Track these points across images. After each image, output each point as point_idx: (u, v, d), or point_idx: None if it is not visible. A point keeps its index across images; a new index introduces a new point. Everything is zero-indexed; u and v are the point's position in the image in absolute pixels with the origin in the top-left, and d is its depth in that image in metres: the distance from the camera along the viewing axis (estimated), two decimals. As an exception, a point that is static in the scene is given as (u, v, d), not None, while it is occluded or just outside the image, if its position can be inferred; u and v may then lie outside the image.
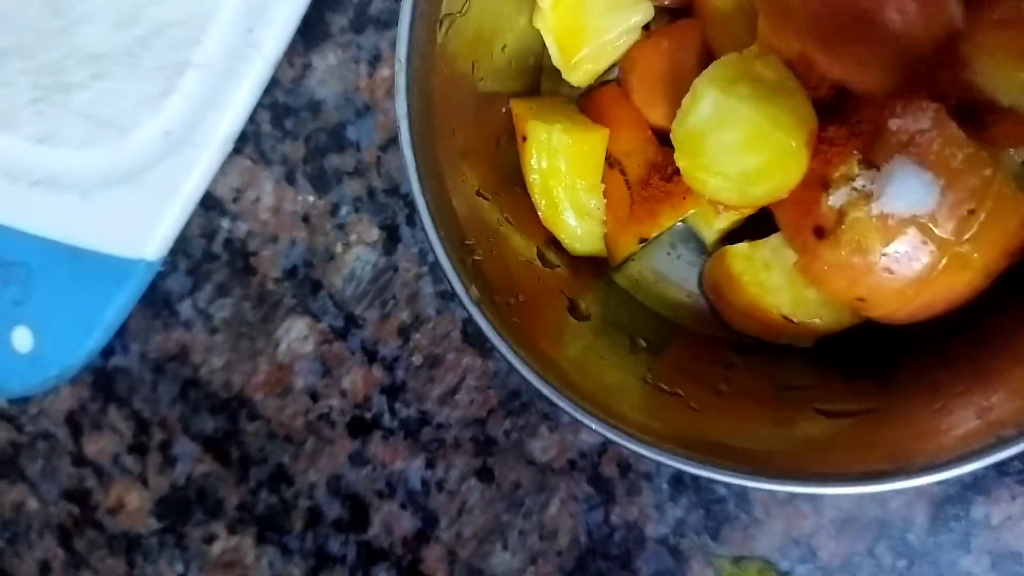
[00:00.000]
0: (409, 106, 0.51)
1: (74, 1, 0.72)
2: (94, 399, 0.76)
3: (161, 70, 0.70)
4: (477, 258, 0.54)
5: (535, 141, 0.57)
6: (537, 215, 0.60)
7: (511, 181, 0.60)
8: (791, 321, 0.57)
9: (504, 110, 0.60)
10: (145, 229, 0.71)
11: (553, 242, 0.61)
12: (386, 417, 0.70)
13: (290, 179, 0.71)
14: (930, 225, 0.49)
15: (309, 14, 0.68)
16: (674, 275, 0.64)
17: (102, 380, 0.75)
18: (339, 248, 0.70)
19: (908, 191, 0.47)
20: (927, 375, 0.54)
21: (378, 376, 0.70)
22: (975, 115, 0.51)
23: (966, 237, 0.49)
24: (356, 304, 0.70)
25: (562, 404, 0.51)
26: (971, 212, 0.48)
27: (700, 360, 0.60)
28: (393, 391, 0.70)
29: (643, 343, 0.59)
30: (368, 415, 0.70)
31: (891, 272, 0.50)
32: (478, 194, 0.57)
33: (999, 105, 0.50)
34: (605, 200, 0.60)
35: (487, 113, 0.60)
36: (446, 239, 0.52)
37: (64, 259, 0.73)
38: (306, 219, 0.71)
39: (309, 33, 0.69)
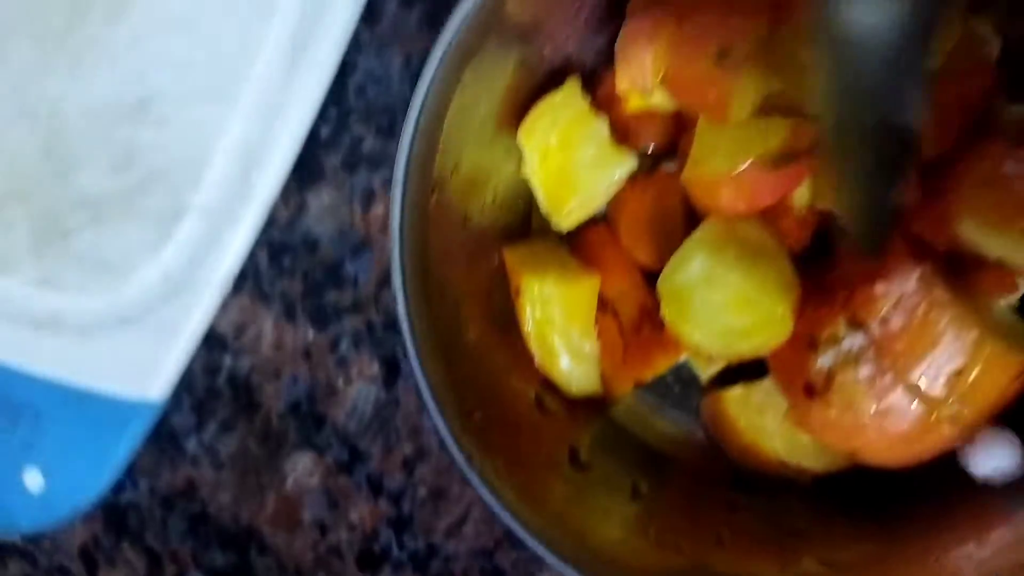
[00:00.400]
0: (404, 283, 0.52)
1: (69, 146, 0.72)
2: (107, 533, 0.76)
3: (158, 214, 0.71)
4: (477, 417, 0.54)
5: (528, 294, 0.58)
6: (531, 361, 0.60)
7: (503, 328, 0.60)
8: (787, 464, 0.58)
9: (496, 257, 0.60)
10: (148, 370, 0.72)
11: (549, 386, 0.61)
12: (395, 550, 0.70)
13: (289, 315, 0.71)
14: (920, 386, 0.49)
15: (302, 155, 0.69)
16: (673, 408, 0.64)
17: (113, 516, 0.76)
18: (341, 383, 0.71)
19: (996, 457, 0.50)
20: (928, 517, 0.55)
21: (384, 509, 0.70)
22: (962, 265, 0.51)
23: (955, 397, 0.49)
24: (360, 438, 0.71)
25: (555, 562, 0.51)
26: (959, 373, 0.48)
27: (701, 500, 0.60)
28: (400, 524, 0.70)
29: (644, 488, 0.59)
30: (377, 548, 0.71)
31: (883, 429, 0.50)
32: (474, 348, 0.58)
33: (986, 259, 0.50)
34: (600, 342, 0.60)
35: (479, 262, 0.60)
36: (441, 403, 0.52)
37: (71, 401, 0.73)
38: (307, 354, 0.71)
39: (303, 173, 0.70)
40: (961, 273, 0.51)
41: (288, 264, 0.71)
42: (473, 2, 0.48)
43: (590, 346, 0.60)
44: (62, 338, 0.74)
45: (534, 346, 0.60)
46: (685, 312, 0.53)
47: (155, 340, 0.72)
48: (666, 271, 0.54)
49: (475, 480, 0.51)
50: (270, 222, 0.71)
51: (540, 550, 0.51)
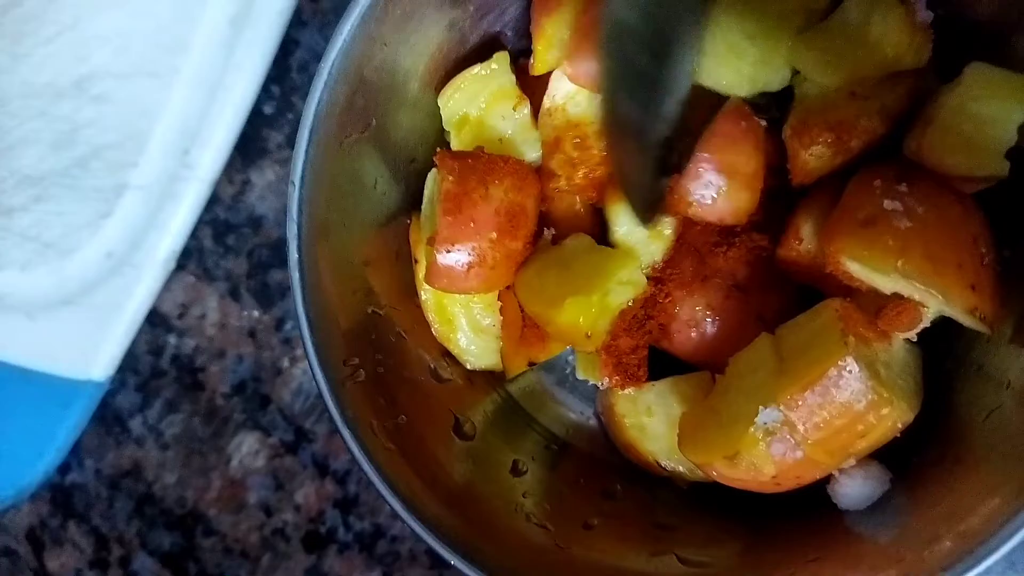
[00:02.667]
0: (300, 227, 0.51)
1: (10, 124, 0.71)
2: (53, 515, 0.76)
3: (100, 192, 0.70)
4: (358, 380, 0.53)
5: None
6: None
7: (412, 293, 0.60)
8: (663, 467, 0.58)
9: (409, 222, 0.60)
10: (91, 350, 0.71)
11: (448, 354, 0.61)
12: (341, 531, 0.70)
13: (234, 294, 0.71)
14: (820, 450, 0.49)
15: (246, 131, 0.68)
16: (571, 393, 0.64)
17: (60, 496, 0.75)
18: (286, 362, 0.70)
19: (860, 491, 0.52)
20: (790, 531, 0.55)
21: (331, 490, 0.70)
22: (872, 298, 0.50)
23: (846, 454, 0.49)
24: (305, 418, 0.70)
25: (427, 538, 0.51)
26: (858, 436, 0.49)
27: (579, 485, 0.60)
28: (346, 504, 0.70)
29: (524, 466, 0.59)
30: (323, 529, 0.70)
31: (777, 480, 0.50)
32: (372, 312, 0.57)
33: (883, 293, 0.49)
34: (501, 317, 0.59)
35: (390, 226, 0.60)
36: (325, 361, 0.52)
37: (13, 380, 0.72)
38: (252, 334, 0.71)
39: (247, 150, 0.69)
40: (872, 306, 0.51)
41: (233, 242, 0.71)
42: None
43: (491, 321, 0.60)
44: (6, 317, 0.73)
45: (431, 316, 0.60)
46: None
47: (98, 319, 0.71)
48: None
49: (348, 438, 0.51)
50: (214, 200, 0.70)
51: (402, 512, 0.50)
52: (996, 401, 0.50)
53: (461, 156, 0.55)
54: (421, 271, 0.58)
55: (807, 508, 0.53)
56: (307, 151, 0.51)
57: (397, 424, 0.54)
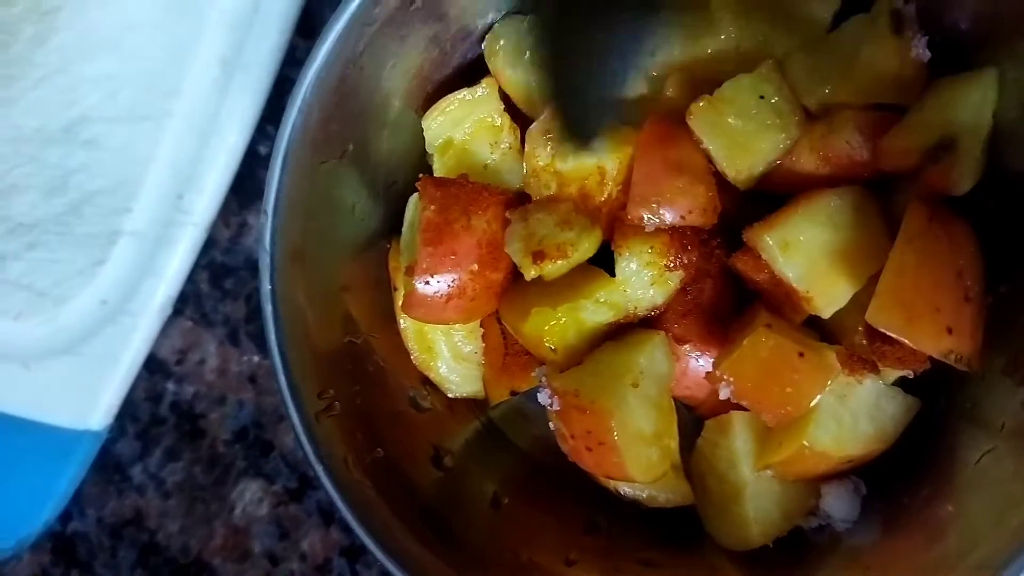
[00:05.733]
0: (273, 257, 0.50)
1: (1, 170, 0.70)
2: (55, 565, 0.74)
3: (93, 239, 0.68)
4: (333, 413, 0.52)
5: None
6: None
7: (391, 320, 0.58)
8: (622, 495, 0.57)
9: (388, 247, 0.59)
10: (89, 399, 0.70)
11: (429, 382, 0.60)
12: (347, 579, 0.68)
13: (233, 339, 0.69)
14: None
15: (241, 172, 0.67)
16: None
17: (62, 546, 0.74)
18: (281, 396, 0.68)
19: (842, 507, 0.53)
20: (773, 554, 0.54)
21: (337, 538, 0.68)
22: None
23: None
24: (309, 465, 0.68)
25: None
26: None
27: (559, 517, 0.58)
28: (353, 552, 0.68)
29: (506, 500, 0.57)
30: (329, 577, 0.69)
31: None
32: (350, 341, 0.56)
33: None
34: (484, 344, 0.58)
35: (370, 251, 0.58)
36: (299, 396, 0.51)
37: (11, 431, 0.71)
38: (252, 379, 0.69)
39: (242, 191, 0.68)
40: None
41: (230, 286, 0.69)
42: None
43: (473, 348, 0.59)
44: (1, 368, 0.72)
45: (411, 344, 0.58)
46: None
47: (95, 368, 0.70)
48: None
49: (322, 474, 0.50)
50: (210, 243, 0.69)
51: (378, 553, 0.49)
52: (989, 443, 0.49)
53: (444, 184, 0.54)
54: (400, 299, 0.56)
55: (794, 555, 0.53)
56: (280, 179, 0.50)
57: (374, 458, 0.53)
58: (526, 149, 0.54)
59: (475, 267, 0.53)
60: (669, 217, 0.52)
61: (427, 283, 0.53)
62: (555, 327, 0.53)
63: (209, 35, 0.64)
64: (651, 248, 0.52)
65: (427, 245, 0.52)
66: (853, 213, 0.51)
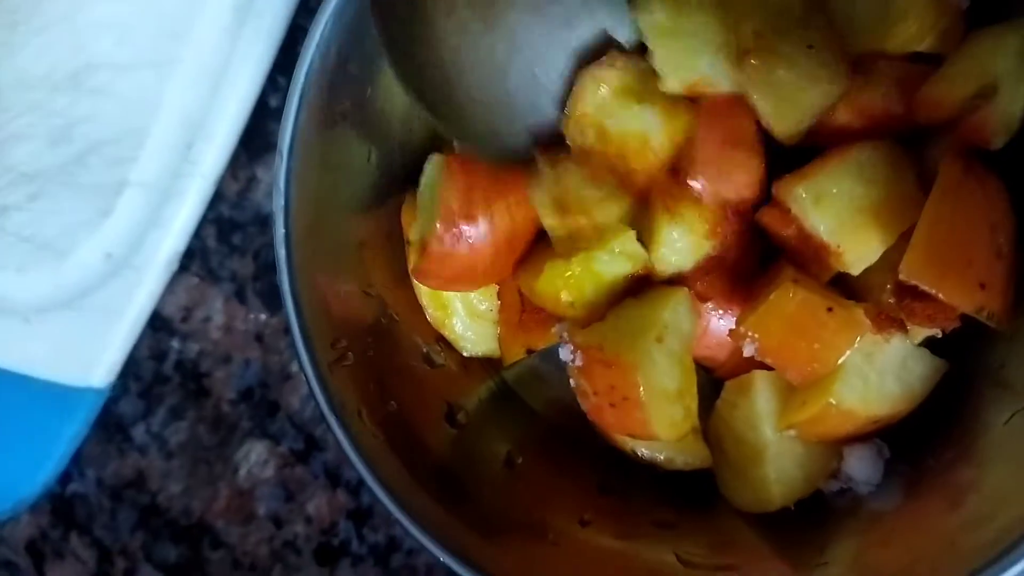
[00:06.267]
0: (287, 200, 0.48)
1: (3, 119, 0.68)
2: (54, 527, 0.73)
3: (98, 189, 0.67)
4: (346, 363, 0.51)
5: None
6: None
7: (405, 275, 0.57)
8: (640, 456, 0.56)
9: (403, 198, 0.57)
10: (91, 355, 0.68)
11: (443, 339, 0.58)
12: (354, 543, 0.67)
13: (240, 296, 0.68)
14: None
15: (251, 125, 0.65)
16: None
17: (61, 507, 0.72)
18: (295, 367, 0.67)
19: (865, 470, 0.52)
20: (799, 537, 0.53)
21: (343, 500, 0.67)
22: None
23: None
24: (316, 426, 0.67)
25: (415, 533, 0.48)
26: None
27: (572, 477, 0.57)
28: (360, 516, 0.67)
29: (519, 459, 0.56)
30: (335, 541, 0.67)
31: None
32: (364, 292, 0.54)
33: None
34: (499, 302, 0.57)
35: (385, 204, 0.57)
36: (311, 342, 0.49)
37: (10, 387, 0.70)
38: (259, 338, 0.68)
39: (252, 145, 0.66)
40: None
41: (238, 242, 0.67)
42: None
43: (488, 305, 0.57)
44: (3, 322, 0.70)
45: (425, 301, 0.57)
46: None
47: (98, 323, 0.68)
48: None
49: (335, 426, 0.48)
50: (218, 197, 0.67)
51: (391, 507, 0.48)
52: (1018, 404, 0.48)
53: (469, 169, 0.52)
54: (412, 254, 0.55)
55: (813, 519, 0.52)
56: (296, 120, 0.49)
57: (387, 411, 0.52)
58: (575, 89, 0.52)
59: (490, 251, 0.52)
60: (727, 191, 0.51)
61: (439, 262, 0.52)
62: (571, 279, 0.51)
63: (222, -21, 0.62)
64: (698, 216, 0.51)
65: (444, 229, 0.51)
66: (886, 167, 0.50)
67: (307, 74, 0.48)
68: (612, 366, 0.49)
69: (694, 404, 0.51)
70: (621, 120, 0.51)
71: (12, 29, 0.67)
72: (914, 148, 0.51)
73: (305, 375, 0.48)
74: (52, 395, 0.68)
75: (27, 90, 0.67)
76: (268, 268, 0.66)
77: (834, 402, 0.49)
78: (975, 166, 0.48)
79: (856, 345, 0.49)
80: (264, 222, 0.66)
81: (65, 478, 0.71)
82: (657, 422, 0.49)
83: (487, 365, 0.59)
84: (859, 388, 0.49)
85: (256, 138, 0.65)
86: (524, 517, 0.53)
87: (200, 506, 0.69)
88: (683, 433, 0.51)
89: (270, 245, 0.64)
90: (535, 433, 0.59)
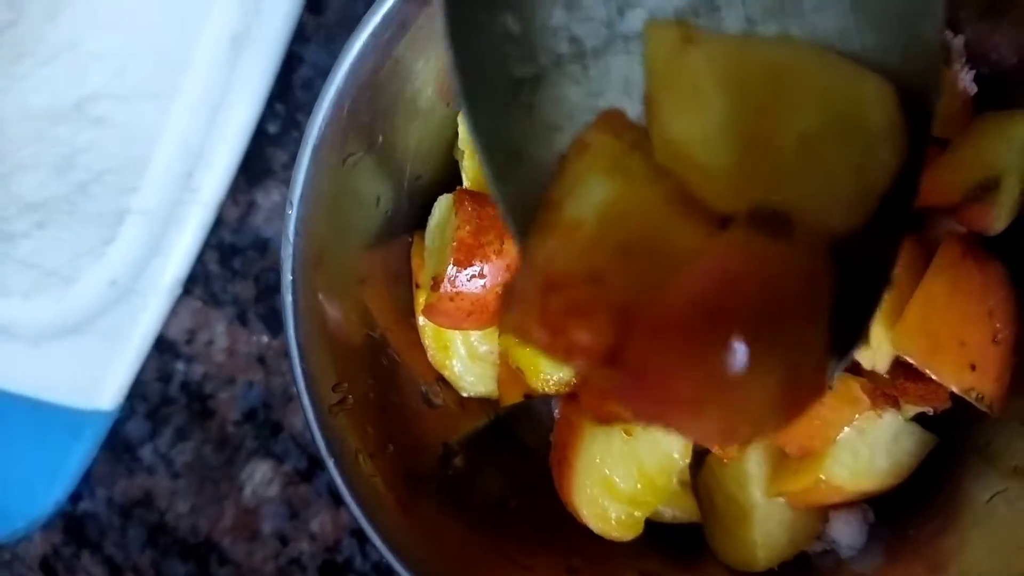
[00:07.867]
0: (296, 249, 0.49)
1: (9, 148, 0.69)
2: (66, 544, 0.74)
3: (101, 217, 0.68)
4: (347, 407, 0.52)
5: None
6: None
7: (408, 314, 0.58)
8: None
9: (409, 240, 0.58)
10: (98, 379, 0.70)
11: (442, 379, 0.59)
12: (358, 560, 0.68)
13: (242, 319, 0.69)
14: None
15: (250, 151, 0.66)
16: None
17: (72, 525, 0.74)
18: (296, 388, 0.68)
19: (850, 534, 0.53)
20: None
21: (347, 519, 0.68)
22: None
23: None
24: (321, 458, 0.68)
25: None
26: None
27: (565, 522, 0.56)
28: (363, 533, 0.67)
29: (513, 501, 0.57)
30: (339, 559, 0.68)
31: None
32: (367, 334, 0.55)
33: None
34: (500, 345, 0.58)
35: (391, 245, 0.58)
36: (314, 390, 0.50)
37: (21, 411, 0.71)
38: (261, 360, 0.69)
39: (251, 171, 0.67)
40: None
41: (239, 266, 0.69)
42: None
43: (488, 348, 0.58)
44: (11, 348, 0.72)
45: (428, 341, 0.58)
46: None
47: (104, 348, 0.70)
48: None
49: (333, 469, 0.49)
50: (219, 223, 0.68)
51: (385, 552, 0.49)
52: (1001, 484, 0.48)
53: (481, 203, 0.53)
54: (421, 296, 0.56)
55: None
56: (307, 171, 0.49)
57: (385, 454, 0.53)
58: None
59: (501, 287, 0.53)
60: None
61: (451, 300, 0.52)
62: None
63: (218, 11, 0.63)
64: None
65: (457, 265, 0.52)
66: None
67: (320, 126, 0.48)
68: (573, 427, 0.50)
69: (644, 513, 0.51)
70: None
71: (16, 62, 0.68)
72: (914, 230, 0.51)
73: (307, 420, 0.49)
74: (62, 418, 0.69)
75: (31, 120, 0.69)
76: (268, 291, 0.67)
77: (824, 478, 0.50)
78: (975, 250, 0.48)
79: (855, 422, 0.50)
80: (264, 246, 0.67)
81: (76, 497, 0.73)
82: (584, 505, 0.51)
83: (485, 404, 0.60)
84: (849, 464, 0.50)
85: (255, 164, 0.66)
86: (512, 562, 0.53)
87: (207, 524, 0.70)
88: (619, 535, 0.51)
89: (270, 269, 0.66)
90: (528, 474, 0.59)
